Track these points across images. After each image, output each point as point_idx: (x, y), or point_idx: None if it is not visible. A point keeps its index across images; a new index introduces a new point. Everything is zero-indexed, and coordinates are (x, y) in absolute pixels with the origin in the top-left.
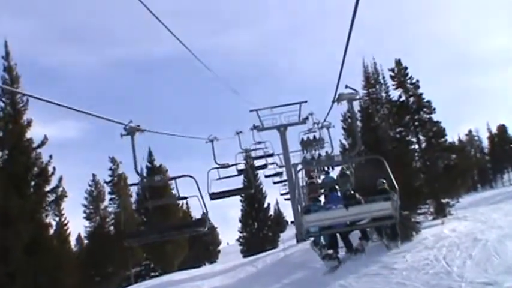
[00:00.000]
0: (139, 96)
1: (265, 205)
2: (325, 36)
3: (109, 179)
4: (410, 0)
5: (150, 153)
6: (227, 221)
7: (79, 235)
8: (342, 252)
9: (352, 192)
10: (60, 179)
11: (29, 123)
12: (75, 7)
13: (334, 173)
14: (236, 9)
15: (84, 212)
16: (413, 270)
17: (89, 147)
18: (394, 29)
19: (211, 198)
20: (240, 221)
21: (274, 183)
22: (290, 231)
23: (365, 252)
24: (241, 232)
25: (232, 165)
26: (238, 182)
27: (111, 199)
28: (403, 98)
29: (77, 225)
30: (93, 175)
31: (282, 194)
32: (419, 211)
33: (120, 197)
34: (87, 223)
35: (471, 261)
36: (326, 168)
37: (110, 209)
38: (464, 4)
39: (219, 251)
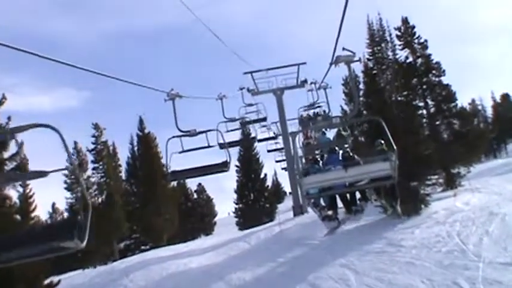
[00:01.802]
0: (136, 66)
1: (262, 175)
2: (324, 5)
3: (92, 146)
4: None
5: (141, 121)
6: (225, 191)
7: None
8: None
9: (350, 153)
10: (20, 145)
11: None
12: None
13: (331, 133)
14: None
15: (65, 182)
16: (423, 248)
17: (90, 116)
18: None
19: (171, 179)
20: (236, 192)
21: (269, 151)
22: (288, 203)
23: (363, 212)
24: (236, 204)
25: (201, 132)
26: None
27: (94, 168)
28: (410, 59)
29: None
30: (75, 142)
31: (277, 161)
32: (427, 182)
33: (104, 165)
34: (68, 194)
35: (488, 238)
36: (323, 129)
37: (93, 179)
38: None
39: (215, 223)
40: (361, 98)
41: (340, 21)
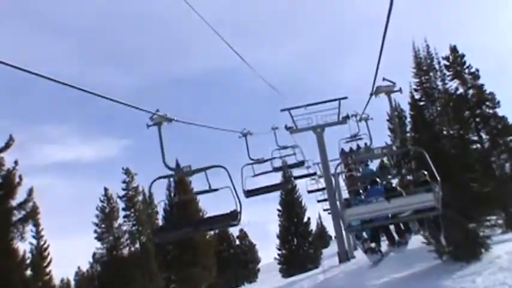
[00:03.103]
0: (177, 113)
1: (305, 219)
2: (365, 49)
3: (123, 193)
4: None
5: (178, 165)
6: (269, 236)
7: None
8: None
9: (393, 184)
10: (30, 191)
11: None
12: (112, 27)
13: (373, 165)
14: (270, 27)
15: (95, 231)
16: None
17: (130, 163)
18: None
19: (157, 240)
20: (278, 237)
21: (310, 192)
22: (334, 247)
23: (407, 244)
24: (279, 249)
25: (198, 170)
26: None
27: (125, 216)
28: (461, 90)
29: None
30: (105, 189)
31: (319, 201)
32: (486, 223)
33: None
34: (98, 244)
35: None
36: (366, 161)
37: (124, 228)
38: None
39: (259, 270)
40: (407, 134)
41: (380, 50)
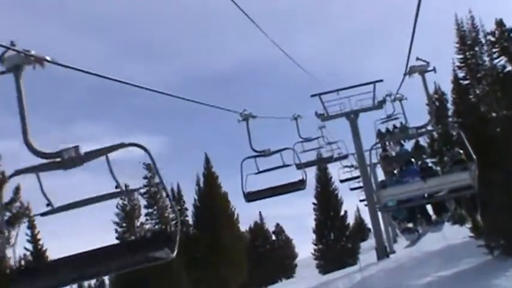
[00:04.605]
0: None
1: (342, 213)
2: (397, 37)
3: (145, 189)
4: None
5: (207, 160)
6: (307, 230)
7: None
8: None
9: (428, 164)
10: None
11: None
12: (140, 23)
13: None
14: (299, 17)
15: (116, 231)
16: None
17: (163, 162)
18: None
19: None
20: (314, 231)
21: (342, 181)
22: (373, 240)
23: (444, 223)
24: (315, 244)
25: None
26: None
27: (147, 214)
28: (509, 67)
29: None
30: (126, 186)
31: (352, 189)
32: None
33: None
34: None
35: None
36: (401, 141)
37: (147, 226)
38: None
39: (296, 265)
40: (450, 119)
41: (413, 28)
